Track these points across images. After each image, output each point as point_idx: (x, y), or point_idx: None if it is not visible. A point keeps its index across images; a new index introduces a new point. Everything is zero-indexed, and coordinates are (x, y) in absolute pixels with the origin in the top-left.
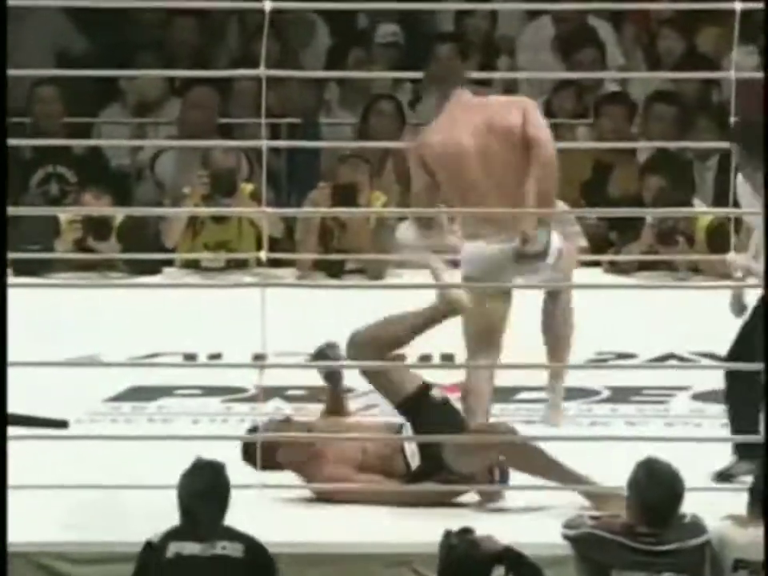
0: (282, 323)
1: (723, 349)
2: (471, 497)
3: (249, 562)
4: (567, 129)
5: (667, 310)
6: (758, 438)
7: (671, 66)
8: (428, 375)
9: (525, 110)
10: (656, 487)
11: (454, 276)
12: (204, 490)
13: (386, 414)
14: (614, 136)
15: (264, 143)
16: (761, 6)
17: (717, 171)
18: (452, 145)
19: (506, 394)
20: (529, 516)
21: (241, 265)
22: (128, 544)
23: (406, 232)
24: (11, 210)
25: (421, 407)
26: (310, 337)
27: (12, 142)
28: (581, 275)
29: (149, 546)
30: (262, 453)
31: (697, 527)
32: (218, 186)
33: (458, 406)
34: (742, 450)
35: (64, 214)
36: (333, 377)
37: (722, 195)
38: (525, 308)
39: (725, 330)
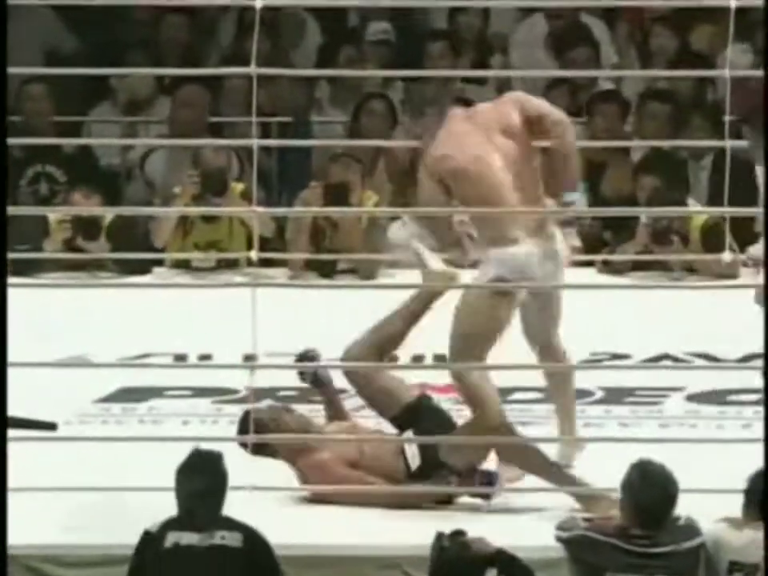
0: (273, 323)
1: (718, 349)
2: (464, 499)
3: (247, 551)
4: None
5: (661, 310)
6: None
7: (665, 64)
8: (422, 376)
9: (519, 101)
10: (650, 489)
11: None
12: (202, 479)
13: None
14: (607, 135)
15: (255, 142)
16: (755, 3)
17: (711, 170)
18: (471, 155)
19: (500, 395)
20: (522, 518)
21: (231, 265)
22: (119, 546)
23: (398, 231)
24: None
25: (417, 418)
26: (301, 337)
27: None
28: (574, 275)
29: (147, 535)
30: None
31: (691, 529)
32: (208, 186)
33: (454, 407)
34: None
35: (53, 214)
36: (319, 381)
37: (717, 194)
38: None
39: (720, 331)
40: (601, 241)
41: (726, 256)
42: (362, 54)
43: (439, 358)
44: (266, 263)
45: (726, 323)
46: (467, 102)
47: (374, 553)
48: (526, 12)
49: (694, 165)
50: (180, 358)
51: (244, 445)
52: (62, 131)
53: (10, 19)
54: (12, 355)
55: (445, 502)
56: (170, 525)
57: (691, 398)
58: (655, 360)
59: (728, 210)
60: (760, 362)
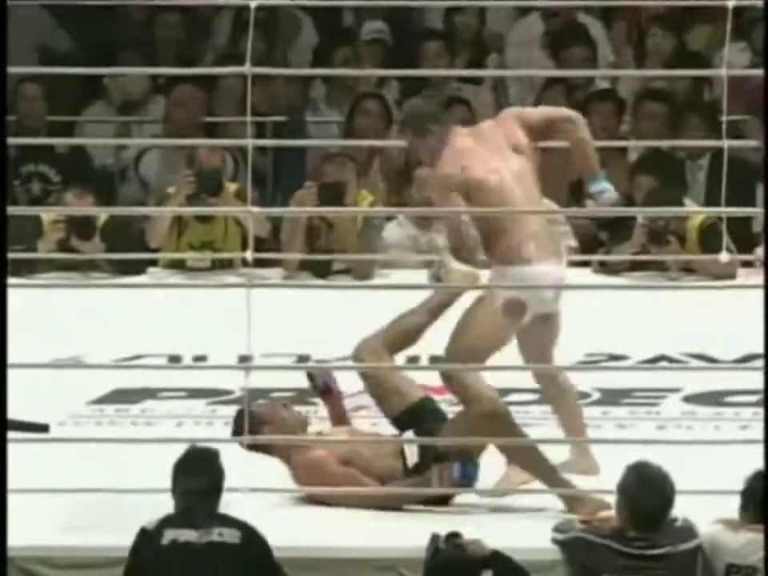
0: (268, 324)
1: (715, 350)
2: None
3: (245, 548)
4: None
5: (658, 310)
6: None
7: (662, 64)
8: (417, 377)
9: (518, 116)
10: (646, 491)
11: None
12: (200, 477)
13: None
14: (603, 134)
15: (249, 142)
16: (752, 2)
17: (708, 170)
18: (488, 167)
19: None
20: (518, 520)
21: (226, 265)
22: (113, 548)
23: (393, 232)
24: None
25: (419, 420)
26: (296, 338)
27: None
28: (570, 276)
29: (143, 533)
30: (250, 429)
31: (688, 531)
32: (203, 186)
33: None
34: None
35: (47, 214)
36: (327, 389)
37: (714, 194)
38: None
39: (717, 331)
40: (597, 241)
41: (724, 256)
42: (357, 54)
43: (435, 359)
44: (260, 263)
45: (723, 324)
46: (462, 102)
47: (369, 555)
48: (522, 11)
49: (691, 165)
50: (174, 359)
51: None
52: (55, 131)
53: None
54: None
55: (441, 503)
56: (167, 522)
57: (688, 399)
58: (652, 361)
59: (725, 210)
60: (757, 363)
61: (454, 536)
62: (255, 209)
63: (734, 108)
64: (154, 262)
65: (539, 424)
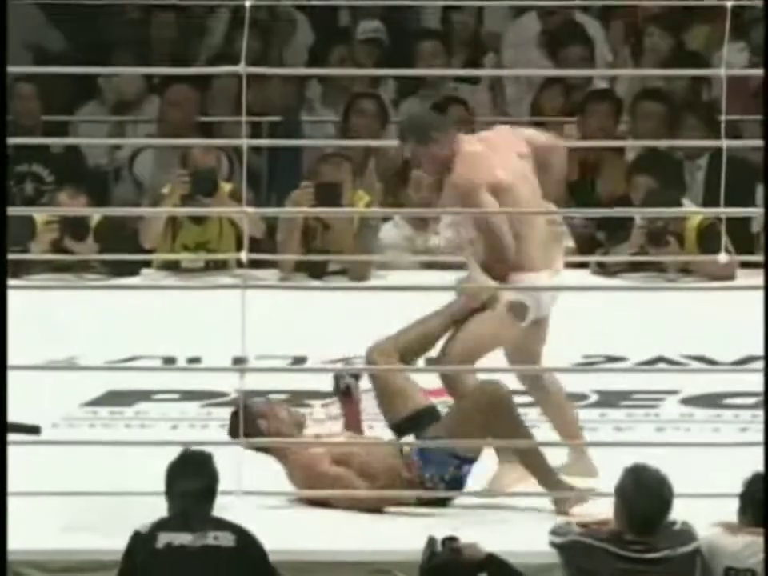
0: (263, 325)
1: (714, 352)
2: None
3: (240, 551)
4: (554, 127)
5: (657, 312)
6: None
7: (660, 64)
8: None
9: (522, 133)
10: (644, 494)
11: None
12: (194, 480)
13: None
14: (601, 134)
15: (244, 142)
16: (750, 2)
17: (707, 170)
18: (504, 169)
19: None
20: (515, 523)
21: (221, 266)
22: (106, 552)
23: (389, 233)
24: None
25: (419, 426)
26: (291, 339)
27: None
28: (568, 277)
29: (137, 536)
30: (246, 427)
31: (687, 534)
32: (197, 186)
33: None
34: None
35: (40, 215)
36: (348, 392)
37: (712, 194)
38: None
39: (716, 333)
40: (595, 242)
41: (722, 257)
42: (353, 53)
43: (431, 362)
44: (255, 264)
45: (722, 325)
46: (459, 102)
47: (364, 558)
48: (519, 11)
49: (689, 165)
50: (168, 361)
51: (235, 434)
52: (48, 130)
53: None
54: None
55: (438, 504)
56: (161, 525)
57: (687, 401)
58: (650, 363)
59: (724, 211)
60: (756, 365)
61: (450, 539)
62: (250, 209)
63: (733, 108)
64: (148, 263)
65: (537, 426)
